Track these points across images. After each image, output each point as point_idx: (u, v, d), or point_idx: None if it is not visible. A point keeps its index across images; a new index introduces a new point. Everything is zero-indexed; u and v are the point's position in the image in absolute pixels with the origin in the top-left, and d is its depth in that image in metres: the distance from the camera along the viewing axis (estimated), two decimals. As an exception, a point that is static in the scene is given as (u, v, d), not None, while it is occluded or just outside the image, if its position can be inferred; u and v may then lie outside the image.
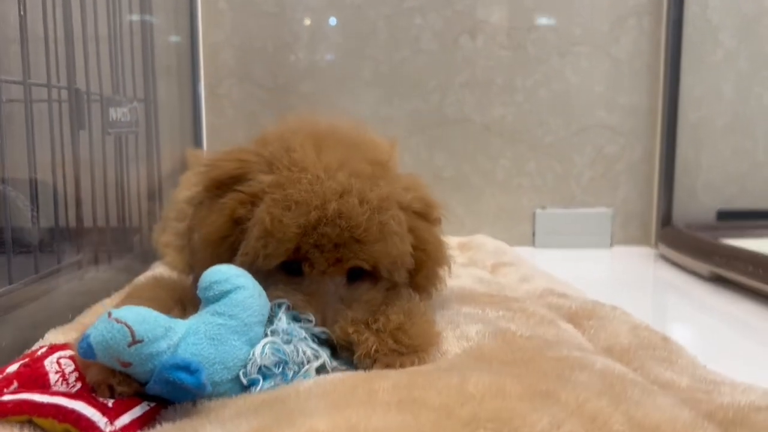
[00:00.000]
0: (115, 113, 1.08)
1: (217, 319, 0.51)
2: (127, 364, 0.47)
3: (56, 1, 0.88)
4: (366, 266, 0.62)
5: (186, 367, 0.47)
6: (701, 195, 1.50)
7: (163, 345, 0.48)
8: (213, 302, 0.52)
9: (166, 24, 1.39)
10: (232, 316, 0.52)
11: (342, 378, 0.52)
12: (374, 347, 0.57)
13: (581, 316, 0.78)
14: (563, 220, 1.49)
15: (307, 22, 1.45)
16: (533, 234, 1.50)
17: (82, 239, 0.95)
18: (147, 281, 0.72)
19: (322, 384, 0.51)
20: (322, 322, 0.59)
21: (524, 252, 1.43)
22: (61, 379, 0.50)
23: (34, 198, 0.83)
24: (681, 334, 0.89)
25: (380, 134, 0.75)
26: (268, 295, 0.58)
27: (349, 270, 0.63)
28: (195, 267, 0.69)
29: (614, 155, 1.49)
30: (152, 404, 0.49)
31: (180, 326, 0.50)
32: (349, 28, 1.44)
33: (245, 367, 0.52)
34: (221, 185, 0.66)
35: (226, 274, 0.53)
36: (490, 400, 0.45)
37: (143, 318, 0.48)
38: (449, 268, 0.74)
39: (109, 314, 0.47)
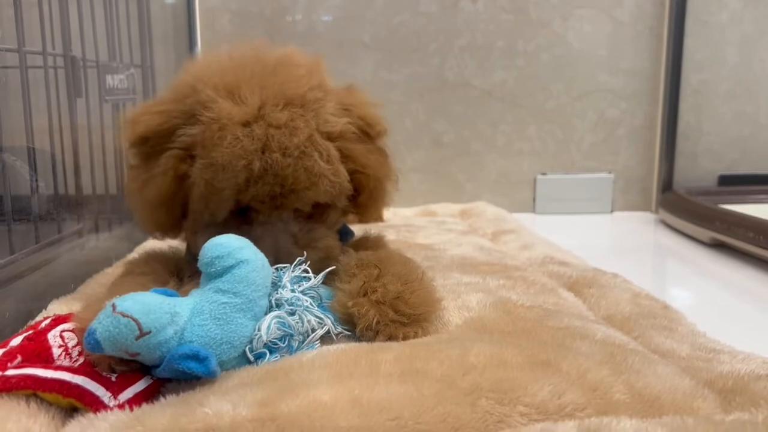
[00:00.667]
0: (112, 80, 1.06)
1: (221, 297, 0.51)
2: (135, 354, 0.47)
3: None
4: (306, 209, 0.63)
5: (195, 356, 0.46)
6: (702, 160, 1.50)
7: (169, 332, 0.48)
8: (215, 278, 0.51)
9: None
10: (237, 294, 0.51)
11: (345, 349, 0.53)
12: (375, 319, 0.56)
13: (582, 284, 0.79)
14: (564, 186, 1.48)
15: (305, -16, 1.42)
16: (534, 200, 1.50)
17: (82, 208, 0.95)
18: (140, 256, 0.71)
19: (325, 355, 0.51)
20: (275, 263, 0.60)
21: (525, 218, 1.43)
22: (64, 353, 0.51)
23: (33, 166, 0.83)
24: (681, 299, 0.89)
25: (305, 53, 0.71)
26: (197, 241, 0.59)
27: (295, 209, 0.64)
28: (146, 231, 0.70)
29: (615, 120, 1.48)
30: (155, 377, 0.49)
31: (184, 308, 0.50)
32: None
33: (251, 343, 0.52)
34: (148, 141, 0.65)
35: (228, 248, 0.52)
36: (492, 370, 0.46)
37: (148, 308, 0.47)
38: (396, 182, 0.74)
39: (114, 307, 0.46)
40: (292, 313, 0.55)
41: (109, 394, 0.46)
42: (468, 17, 1.43)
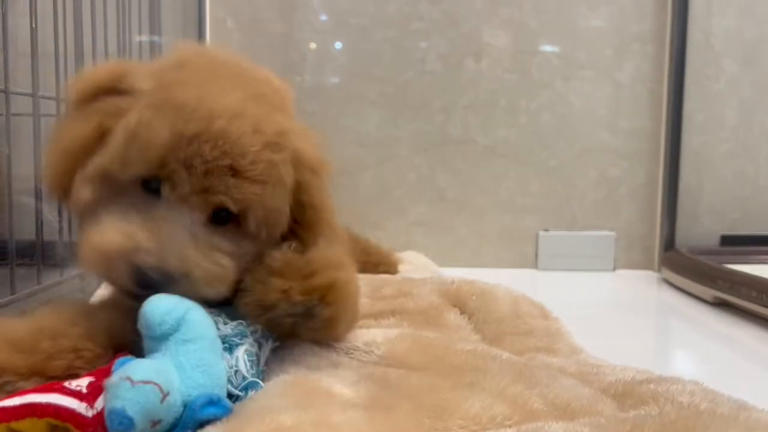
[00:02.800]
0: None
1: (189, 346, 0.49)
2: (157, 423, 0.45)
3: (67, 18, 0.90)
4: (233, 208, 0.53)
5: (210, 402, 0.46)
6: (704, 220, 1.50)
7: (176, 390, 0.47)
8: (171, 333, 0.49)
9: (175, 43, 1.41)
10: (201, 337, 0.50)
11: (295, 379, 0.54)
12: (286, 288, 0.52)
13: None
14: (566, 243, 1.49)
15: (313, 46, 1.46)
16: (536, 256, 1.50)
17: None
18: (102, 304, 0.61)
19: (280, 384, 0.52)
20: (159, 251, 0.50)
21: (526, 274, 1.43)
22: None
23: (39, 212, 0.84)
24: (685, 358, 0.88)
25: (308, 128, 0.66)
26: (100, 220, 0.52)
27: (214, 210, 0.54)
28: (47, 184, 0.60)
29: (617, 178, 1.50)
30: None
31: (168, 367, 0.48)
32: (355, 50, 1.46)
33: (229, 380, 0.51)
34: (89, 98, 0.57)
35: (169, 302, 0.50)
36: (427, 395, 0.51)
37: (157, 369, 0.46)
38: (334, 226, 0.65)
39: (130, 380, 0.44)
40: (240, 345, 0.54)
41: (84, 404, 0.45)
42: (472, 76, 1.47)
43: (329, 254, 0.58)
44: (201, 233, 0.53)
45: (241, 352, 0.52)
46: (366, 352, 0.61)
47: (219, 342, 0.52)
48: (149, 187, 0.53)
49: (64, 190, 0.58)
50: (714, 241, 1.50)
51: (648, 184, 1.50)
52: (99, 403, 0.46)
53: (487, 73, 1.47)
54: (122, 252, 0.51)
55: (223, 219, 0.55)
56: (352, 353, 0.61)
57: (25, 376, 0.49)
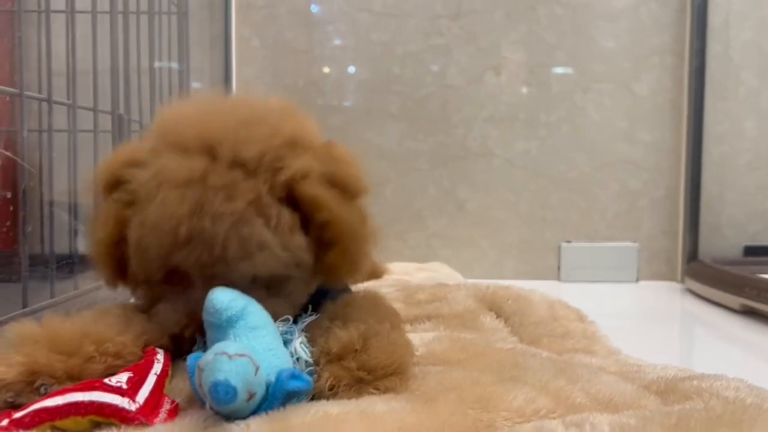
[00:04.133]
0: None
1: (257, 332, 0.50)
2: (252, 396, 0.46)
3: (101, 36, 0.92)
4: (243, 282, 0.55)
5: (293, 376, 0.47)
6: (726, 231, 1.50)
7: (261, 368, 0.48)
8: (237, 320, 0.50)
9: (201, 63, 1.44)
10: (266, 325, 0.51)
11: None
12: (329, 383, 0.50)
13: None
14: (589, 254, 1.49)
15: (334, 62, 1.49)
16: (558, 268, 1.49)
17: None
18: (135, 309, 0.63)
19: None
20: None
21: (549, 285, 1.42)
22: None
23: (73, 221, 0.85)
24: (715, 364, 0.88)
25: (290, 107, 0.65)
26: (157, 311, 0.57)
27: (253, 279, 0.56)
28: (101, 273, 0.62)
29: (638, 191, 1.50)
30: (158, 372, 0.50)
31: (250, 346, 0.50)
32: (376, 65, 1.48)
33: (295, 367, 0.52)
34: (110, 188, 0.60)
35: (233, 293, 0.51)
36: (470, 388, 0.51)
37: (245, 346, 0.47)
38: (374, 245, 0.64)
39: (226, 354, 0.45)
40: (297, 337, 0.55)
41: (126, 399, 0.46)
42: (491, 90, 1.49)
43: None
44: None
45: (297, 343, 0.53)
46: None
47: (278, 331, 0.53)
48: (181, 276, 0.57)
49: (114, 281, 0.62)
50: (736, 253, 1.49)
51: (669, 197, 1.50)
52: (140, 397, 0.47)
53: (506, 87, 1.49)
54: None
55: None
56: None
57: (61, 380, 0.49)
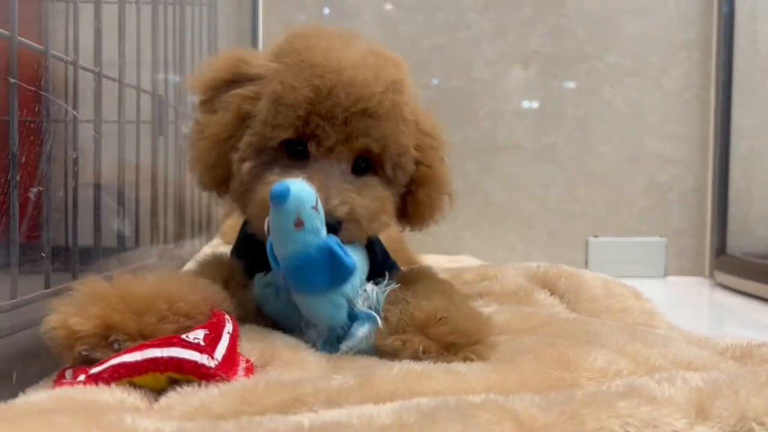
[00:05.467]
0: (187, 128, 1.11)
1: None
2: (300, 224, 0.50)
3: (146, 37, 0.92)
4: (375, 148, 0.58)
5: (341, 247, 0.51)
6: (754, 225, 1.49)
7: (322, 230, 0.51)
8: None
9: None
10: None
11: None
12: (421, 348, 0.51)
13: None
14: (617, 249, 1.48)
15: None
16: (586, 262, 1.49)
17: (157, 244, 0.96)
18: (205, 261, 0.67)
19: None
20: (326, 201, 0.54)
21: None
22: None
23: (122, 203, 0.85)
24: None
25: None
26: (267, 180, 0.57)
27: (356, 158, 0.59)
28: (199, 178, 0.64)
29: (666, 184, 1.49)
30: (230, 331, 0.49)
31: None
32: (404, 57, 1.48)
33: (358, 298, 0.53)
34: (216, 91, 0.62)
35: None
36: (546, 349, 0.50)
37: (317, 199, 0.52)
38: (451, 198, 0.70)
39: (302, 180, 0.51)
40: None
41: (205, 355, 0.45)
42: (519, 83, 1.49)
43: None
44: (351, 180, 0.59)
45: (369, 286, 0.55)
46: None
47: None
48: (295, 149, 0.59)
49: (217, 179, 0.63)
50: (764, 247, 1.48)
51: (697, 190, 1.49)
52: (218, 353, 0.46)
53: (534, 80, 1.49)
54: None
55: (363, 170, 0.60)
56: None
57: (134, 337, 0.49)
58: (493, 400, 0.39)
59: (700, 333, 0.64)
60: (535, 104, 1.49)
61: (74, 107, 0.70)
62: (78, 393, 0.42)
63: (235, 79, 0.61)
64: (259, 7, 1.47)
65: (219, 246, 1.16)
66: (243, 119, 0.59)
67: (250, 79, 0.61)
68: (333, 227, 0.54)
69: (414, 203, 0.66)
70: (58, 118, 0.69)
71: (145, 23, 0.93)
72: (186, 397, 0.42)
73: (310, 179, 0.53)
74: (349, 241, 0.56)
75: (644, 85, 1.48)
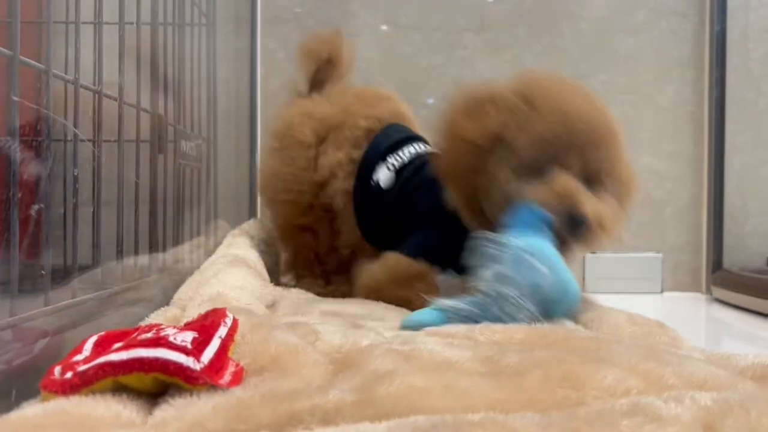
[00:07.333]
0: (186, 146, 1.12)
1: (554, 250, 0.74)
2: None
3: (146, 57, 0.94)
4: (604, 179, 0.80)
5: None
6: (749, 241, 1.50)
7: None
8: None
9: (227, 74, 1.45)
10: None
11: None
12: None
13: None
14: (614, 265, 1.48)
15: (361, 73, 1.50)
16: (583, 279, 1.49)
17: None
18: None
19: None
20: (573, 206, 0.75)
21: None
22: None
23: (121, 219, 0.85)
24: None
25: None
26: (522, 193, 0.77)
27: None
28: (445, 172, 0.88)
29: (661, 200, 1.50)
30: (222, 336, 0.50)
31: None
32: (401, 76, 1.50)
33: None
34: (484, 107, 0.86)
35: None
36: (556, 365, 0.49)
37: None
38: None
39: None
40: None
41: (191, 358, 0.44)
42: (514, 101, 1.50)
43: None
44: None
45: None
46: (482, 335, 0.62)
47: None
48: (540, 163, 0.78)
49: (472, 211, 0.86)
50: (760, 263, 1.49)
51: (692, 206, 1.50)
52: (205, 357, 0.46)
53: (529, 98, 1.50)
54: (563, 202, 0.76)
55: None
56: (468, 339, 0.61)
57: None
58: (492, 418, 0.39)
59: (716, 352, 0.62)
60: (530, 122, 1.50)
61: (75, 126, 0.70)
62: (73, 406, 0.41)
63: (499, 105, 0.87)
64: (257, 28, 1.49)
65: (218, 259, 1.15)
66: (489, 134, 0.85)
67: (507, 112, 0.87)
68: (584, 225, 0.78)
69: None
70: (59, 137, 0.69)
71: (144, 43, 0.94)
72: (180, 410, 0.42)
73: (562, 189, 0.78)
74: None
75: (638, 102, 1.50)
